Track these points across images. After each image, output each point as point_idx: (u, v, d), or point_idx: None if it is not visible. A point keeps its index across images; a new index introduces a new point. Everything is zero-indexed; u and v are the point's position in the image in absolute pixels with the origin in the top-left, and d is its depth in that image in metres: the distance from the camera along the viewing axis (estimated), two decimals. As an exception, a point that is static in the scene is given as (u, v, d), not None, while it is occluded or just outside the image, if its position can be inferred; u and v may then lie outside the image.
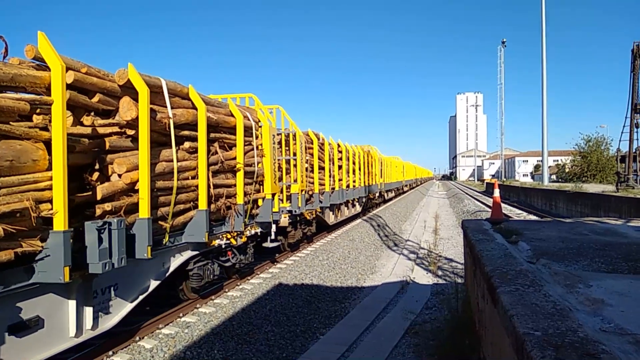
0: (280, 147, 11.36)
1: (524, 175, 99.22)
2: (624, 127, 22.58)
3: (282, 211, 10.57)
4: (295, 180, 11.51)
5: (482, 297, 4.13)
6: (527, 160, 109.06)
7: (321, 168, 14.24)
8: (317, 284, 10.01)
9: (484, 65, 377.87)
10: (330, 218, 15.93)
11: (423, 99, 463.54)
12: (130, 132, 5.43)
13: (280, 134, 11.40)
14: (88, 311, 4.92)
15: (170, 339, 6.43)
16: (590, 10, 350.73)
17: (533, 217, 22.33)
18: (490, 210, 17.25)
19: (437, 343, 6.02)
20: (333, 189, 15.29)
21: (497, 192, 8.48)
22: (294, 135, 11.83)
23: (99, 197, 4.83)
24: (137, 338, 6.35)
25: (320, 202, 13.89)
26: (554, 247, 4.97)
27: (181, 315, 7.37)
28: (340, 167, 16.63)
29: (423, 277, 11.38)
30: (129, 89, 5.38)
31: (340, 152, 16.71)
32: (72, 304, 4.72)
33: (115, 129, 5.40)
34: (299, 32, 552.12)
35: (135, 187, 5.27)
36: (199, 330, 6.81)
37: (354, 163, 18.62)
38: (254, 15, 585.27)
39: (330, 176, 14.83)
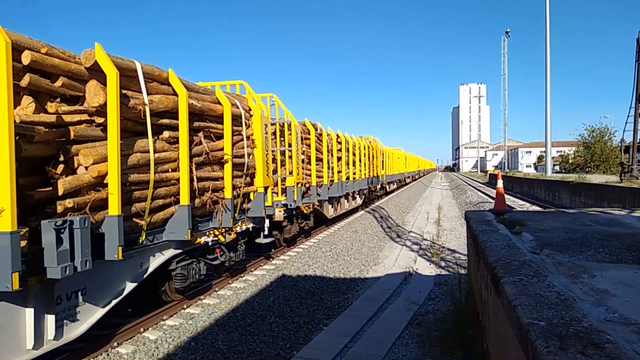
0: (275, 137, 10.88)
1: (527, 166, 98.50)
2: (628, 117, 22.22)
3: (277, 205, 10.11)
4: (291, 173, 11.03)
5: (485, 288, 4.12)
6: (530, 151, 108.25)
7: (319, 160, 13.79)
8: (320, 276, 9.90)
9: (487, 56, 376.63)
10: (329, 211, 15.50)
11: (426, 90, 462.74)
12: (100, 120, 4.95)
13: (275, 123, 10.91)
14: (50, 319, 4.43)
15: (174, 330, 6.44)
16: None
17: (536, 208, 22.01)
18: (493, 201, 16.85)
19: (440, 334, 5.94)
20: (332, 181, 14.84)
21: (500, 183, 8.38)
22: (289, 125, 11.32)
23: (60, 192, 4.34)
24: (142, 329, 6.33)
25: (318, 195, 13.43)
26: (557, 238, 4.92)
27: (185, 307, 7.34)
28: (339, 158, 16.18)
29: (426, 268, 11.25)
30: (97, 72, 4.90)
31: (339, 143, 16.24)
32: (29, 312, 4.24)
33: (84, 116, 4.93)
34: (299, 23, 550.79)
35: (105, 181, 4.78)
36: (202, 322, 6.79)
37: (354, 154, 18.13)
38: (253, 7, 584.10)
39: (328, 168, 14.36)
